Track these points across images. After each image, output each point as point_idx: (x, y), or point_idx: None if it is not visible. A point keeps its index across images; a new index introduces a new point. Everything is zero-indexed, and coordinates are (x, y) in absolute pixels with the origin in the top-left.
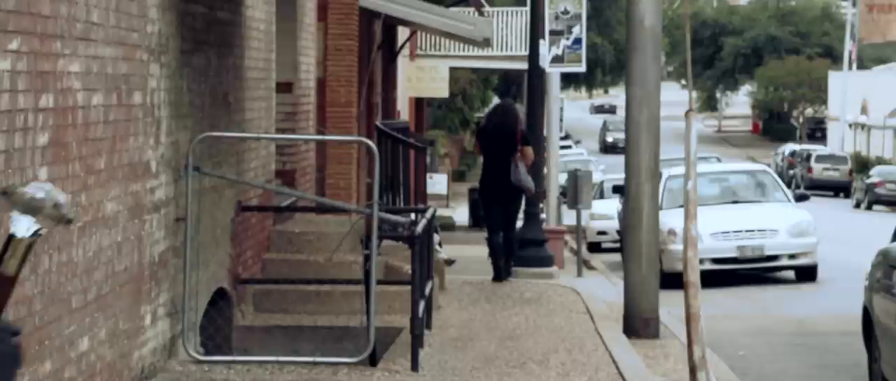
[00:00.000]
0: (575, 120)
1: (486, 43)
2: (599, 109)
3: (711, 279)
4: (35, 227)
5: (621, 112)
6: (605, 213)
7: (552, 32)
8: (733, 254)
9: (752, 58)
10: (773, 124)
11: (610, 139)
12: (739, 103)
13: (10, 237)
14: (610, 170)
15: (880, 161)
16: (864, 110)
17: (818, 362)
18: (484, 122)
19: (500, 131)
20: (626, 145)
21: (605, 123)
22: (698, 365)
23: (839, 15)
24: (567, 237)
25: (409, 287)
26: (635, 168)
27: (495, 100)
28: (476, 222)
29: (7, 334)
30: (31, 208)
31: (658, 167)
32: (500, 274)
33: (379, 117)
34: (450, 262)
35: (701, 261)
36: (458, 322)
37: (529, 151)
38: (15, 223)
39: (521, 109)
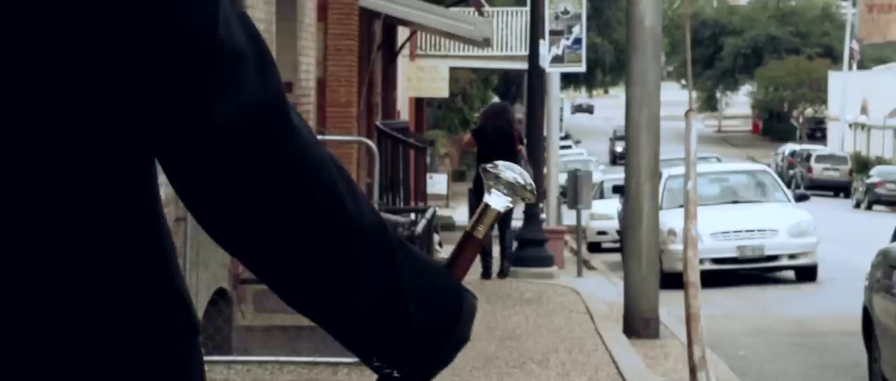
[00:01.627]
0: (575, 120)
1: (486, 43)
2: (578, 109)
3: (711, 279)
4: (509, 203)
5: (599, 112)
6: (605, 213)
7: (552, 32)
8: (733, 254)
9: (752, 58)
10: (773, 124)
11: (620, 149)
12: (739, 103)
13: (486, 207)
14: (608, 171)
15: (880, 161)
16: (864, 110)
17: (818, 362)
18: (481, 122)
19: (498, 133)
20: (625, 146)
21: (615, 133)
22: (698, 365)
23: (839, 15)
24: (567, 237)
25: None
26: (635, 168)
27: (495, 100)
28: None
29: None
30: (510, 186)
31: (658, 167)
32: (489, 272)
33: (379, 117)
34: None
35: (701, 261)
36: None
37: (523, 150)
38: (494, 197)
39: (520, 108)
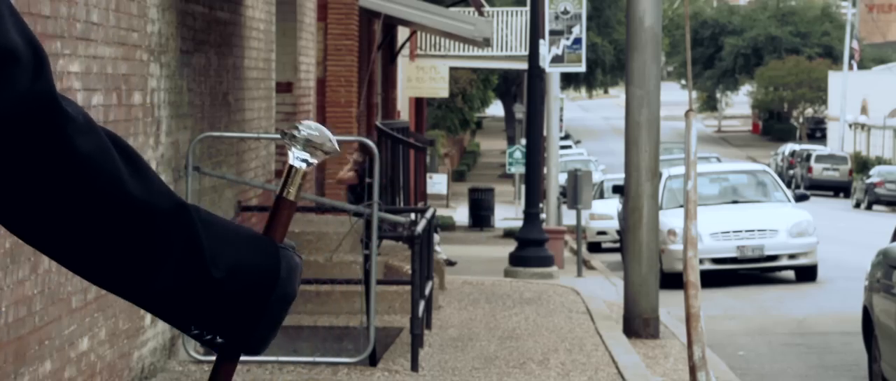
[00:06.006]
0: (575, 120)
1: (486, 43)
2: None
3: (711, 279)
4: (310, 159)
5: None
6: (605, 213)
7: (552, 32)
8: (733, 254)
9: (752, 58)
10: (773, 124)
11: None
12: (739, 103)
13: (290, 168)
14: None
15: (880, 161)
16: (864, 110)
17: (818, 362)
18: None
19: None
20: (625, 145)
21: None
22: (698, 365)
23: (839, 15)
24: (567, 237)
25: (409, 287)
26: (635, 168)
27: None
28: (476, 221)
29: (293, 249)
30: (307, 143)
31: (658, 167)
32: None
33: (379, 117)
34: (451, 263)
35: (701, 261)
36: (458, 322)
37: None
38: (293, 155)
39: (520, 108)
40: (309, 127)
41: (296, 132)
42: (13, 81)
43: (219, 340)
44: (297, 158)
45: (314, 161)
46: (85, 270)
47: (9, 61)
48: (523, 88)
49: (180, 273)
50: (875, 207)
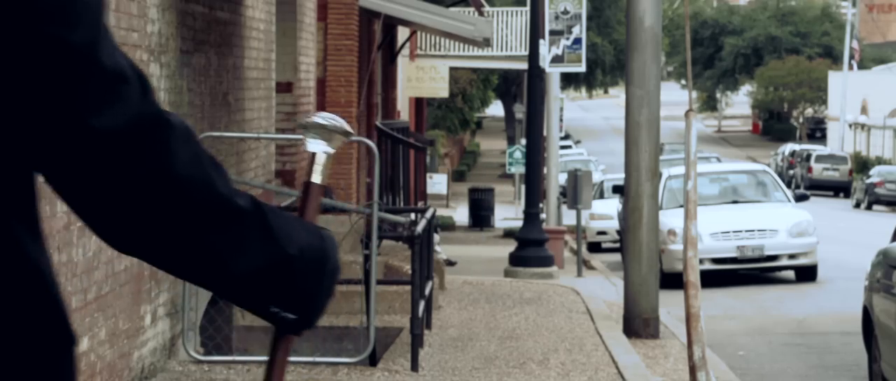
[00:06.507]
0: (575, 120)
1: (486, 43)
2: None
3: (711, 279)
4: (328, 148)
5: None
6: (605, 213)
7: (552, 32)
8: (733, 254)
9: (752, 58)
10: (773, 124)
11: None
12: (739, 103)
13: (312, 155)
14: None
15: (880, 161)
16: (864, 110)
17: (818, 362)
18: None
19: None
20: (625, 145)
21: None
22: (698, 365)
23: (839, 15)
24: (567, 237)
25: (409, 287)
26: (635, 168)
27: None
28: (476, 221)
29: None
30: (322, 130)
31: (658, 167)
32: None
33: (379, 117)
34: (451, 263)
35: (701, 261)
36: (458, 322)
37: None
38: (311, 144)
39: (520, 108)
40: (322, 116)
41: (311, 122)
42: (127, 98)
43: (291, 317)
44: (316, 145)
45: (331, 149)
46: (178, 267)
47: (121, 81)
48: (523, 88)
49: (264, 255)
50: (875, 207)
